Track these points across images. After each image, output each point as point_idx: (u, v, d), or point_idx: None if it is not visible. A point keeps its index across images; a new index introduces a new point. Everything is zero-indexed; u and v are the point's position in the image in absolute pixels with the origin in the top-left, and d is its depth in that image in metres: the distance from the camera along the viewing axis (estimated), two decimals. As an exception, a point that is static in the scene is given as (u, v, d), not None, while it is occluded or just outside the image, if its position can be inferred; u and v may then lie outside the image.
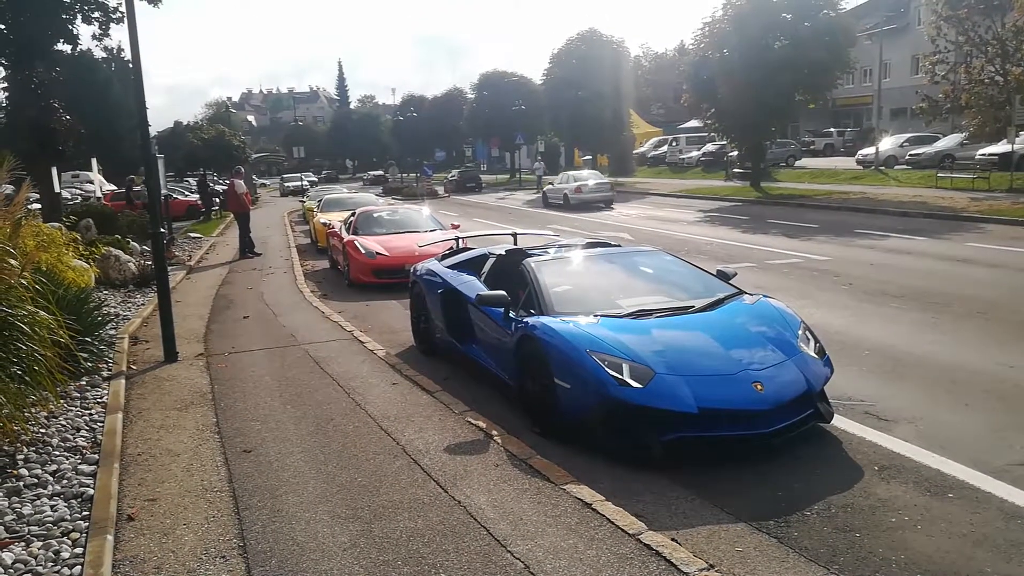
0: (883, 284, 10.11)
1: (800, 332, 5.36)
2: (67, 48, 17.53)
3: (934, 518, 3.94)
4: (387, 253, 12.12)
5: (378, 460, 4.89)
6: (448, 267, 7.72)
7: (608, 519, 3.90)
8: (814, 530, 3.88)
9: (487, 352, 6.51)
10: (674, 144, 46.85)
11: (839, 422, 5.21)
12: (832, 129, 47.63)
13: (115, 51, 33.03)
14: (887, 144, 33.33)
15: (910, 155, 31.26)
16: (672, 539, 3.73)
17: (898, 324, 7.99)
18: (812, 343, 5.33)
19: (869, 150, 32.83)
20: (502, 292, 6.07)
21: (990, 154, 24.97)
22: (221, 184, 34.51)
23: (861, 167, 32.07)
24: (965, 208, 18.18)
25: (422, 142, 72.19)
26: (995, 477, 4.31)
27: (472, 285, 6.96)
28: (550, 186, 29.74)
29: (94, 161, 32.55)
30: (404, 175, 49.22)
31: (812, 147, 44.76)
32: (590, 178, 27.73)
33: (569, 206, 26.51)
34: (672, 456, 4.64)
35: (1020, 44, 22.82)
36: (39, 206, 15.93)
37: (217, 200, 30.28)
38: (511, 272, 6.68)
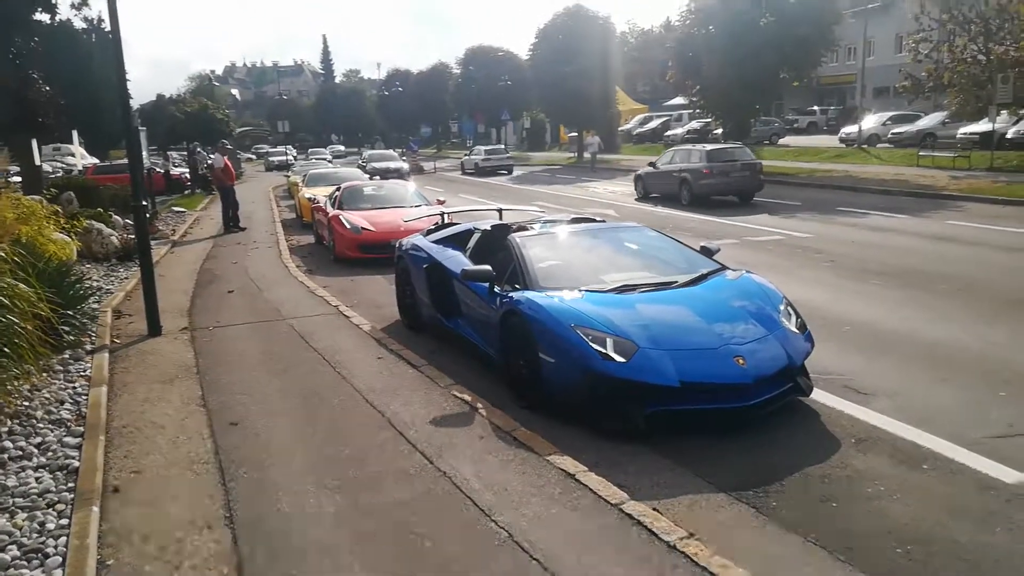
0: (864, 261, 10.22)
1: (782, 307, 5.42)
2: (45, 18, 17.11)
3: (910, 488, 4.03)
4: (372, 228, 12.08)
5: (364, 432, 4.92)
6: (433, 242, 7.71)
7: (591, 489, 3.96)
8: (792, 500, 3.96)
9: (472, 327, 6.53)
10: (678, 121, 45.11)
11: (818, 396, 5.29)
12: (815, 107, 47.57)
13: (95, 22, 32.15)
14: (870, 122, 33.42)
15: (892, 134, 31.35)
16: (653, 509, 3.80)
17: (879, 301, 8.09)
18: (794, 318, 5.40)
19: (852, 128, 32.88)
20: (487, 267, 6.07)
21: (971, 133, 25.08)
22: (211, 157, 34.21)
23: (844, 145, 32.13)
24: (946, 187, 18.32)
25: (408, 117, 71.51)
26: (970, 449, 4.40)
27: (457, 260, 6.96)
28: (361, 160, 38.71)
29: (75, 134, 31.97)
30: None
31: (795, 125, 44.66)
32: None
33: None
34: (654, 428, 4.70)
35: (1003, 23, 22.91)
36: (20, 179, 15.69)
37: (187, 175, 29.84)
38: (496, 247, 6.69)
